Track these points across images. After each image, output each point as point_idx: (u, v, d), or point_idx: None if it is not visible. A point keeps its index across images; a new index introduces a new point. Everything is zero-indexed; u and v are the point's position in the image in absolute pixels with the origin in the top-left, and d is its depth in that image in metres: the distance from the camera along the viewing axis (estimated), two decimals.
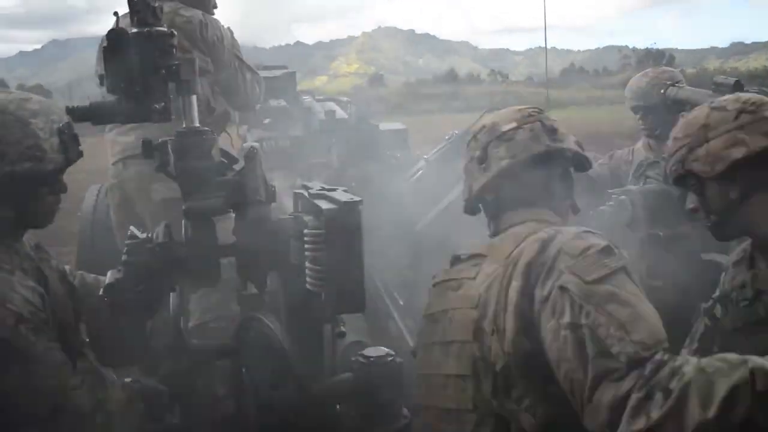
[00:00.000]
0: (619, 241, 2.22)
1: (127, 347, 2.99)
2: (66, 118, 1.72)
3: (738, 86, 2.22)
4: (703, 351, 1.75)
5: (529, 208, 1.69)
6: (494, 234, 1.75)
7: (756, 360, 1.17)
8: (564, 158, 1.73)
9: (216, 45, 3.12)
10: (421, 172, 3.84)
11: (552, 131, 1.71)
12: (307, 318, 1.78)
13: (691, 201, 1.69)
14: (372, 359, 1.71)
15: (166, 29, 1.74)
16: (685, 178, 1.67)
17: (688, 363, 1.20)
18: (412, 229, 3.64)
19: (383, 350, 1.76)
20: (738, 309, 1.70)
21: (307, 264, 1.57)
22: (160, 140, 1.83)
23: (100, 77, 1.71)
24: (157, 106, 1.72)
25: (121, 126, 3.09)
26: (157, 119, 1.74)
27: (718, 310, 1.77)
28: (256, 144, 1.78)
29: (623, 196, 2.22)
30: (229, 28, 3.33)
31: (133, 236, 1.81)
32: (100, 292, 1.80)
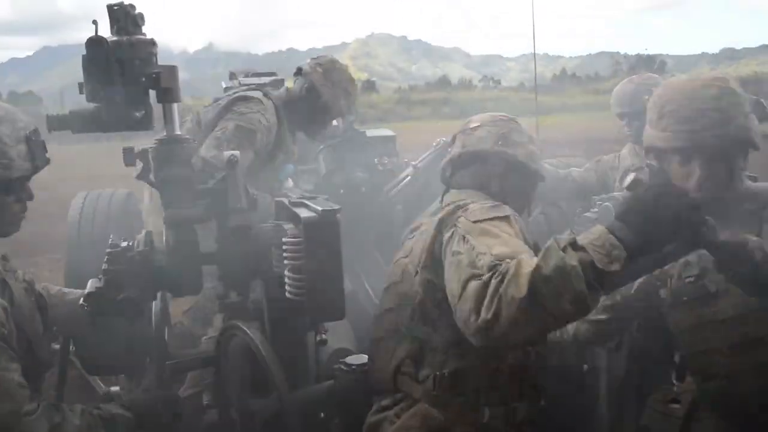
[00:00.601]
0: None
1: (111, 355, 2.98)
2: (33, 126, 1.69)
3: None
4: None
5: (467, 190, 1.97)
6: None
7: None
8: (506, 162, 1.97)
9: None
10: (408, 178, 3.84)
11: (503, 137, 1.98)
12: (290, 326, 1.78)
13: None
14: (354, 367, 1.71)
15: (147, 37, 1.74)
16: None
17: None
18: (400, 233, 3.64)
19: (365, 358, 1.75)
20: (682, 285, 1.81)
21: (286, 272, 1.57)
22: (141, 148, 1.82)
23: (80, 85, 1.70)
24: (137, 114, 1.72)
25: None
26: (137, 127, 1.73)
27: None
28: (236, 152, 1.77)
29: (607, 203, 2.21)
30: None
31: (114, 245, 1.80)
32: (81, 301, 1.79)
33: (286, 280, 1.56)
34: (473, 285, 1.42)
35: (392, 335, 1.75)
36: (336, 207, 1.52)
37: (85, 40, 1.69)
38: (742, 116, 1.66)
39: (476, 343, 1.44)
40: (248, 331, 1.56)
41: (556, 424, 2.45)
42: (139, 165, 1.83)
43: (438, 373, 1.67)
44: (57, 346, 2.36)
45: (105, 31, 1.74)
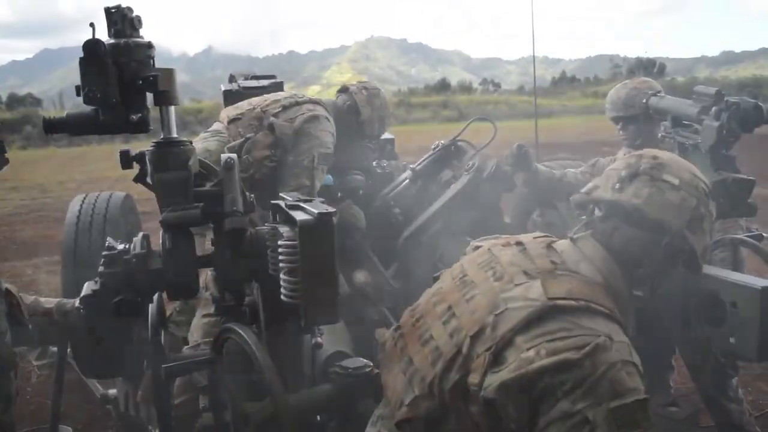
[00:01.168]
0: None
1: (108, 359, 2.98)
2: None
3: (719, 96, 2.23)
4: None
5: (591, 262, 1.56)
6: None
7: None
8: (680, 252, 1.61)
9: None
10: (407, 181, 3.84)
11: (696, 220, 1.58)
12: (285, 329, 1.78)
13: None
14: (350, 370, 1.71)
15: (144, 40, 1.74)
16: None
17: None
18: (399, 236, 3.64)
19: (362, 361, 1.75)
20: None
21: (281, 275, 1.57)
22: (138, 151, 1.83)
23: (77, 88, 1.70)
24: (134, 117, 1.72)
25: None
26: (134, 130, 1.73)
27: None
28: (233, 155, 1.77)
29: None
30: None
31: (111, 247, 1.80)
32: (76, 303, 1.79)
33: (282, 282, 1.56)
34: None
35: (426, 378, 1.48)
36: (332, 210, 1.52)
37: (83, 43, 1.69)
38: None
39: None
40: (243, 334, 1.56)
41: None
42: (137, 168, 1.83)
43: None
44: (54, 349, 2.37)
45: (103, 34, 1.74)
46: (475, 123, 4.03)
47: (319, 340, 1.81)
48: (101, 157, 18.31)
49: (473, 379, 1.38)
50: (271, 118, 3.24)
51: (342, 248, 3.70)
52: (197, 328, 2.88)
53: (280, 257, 1.57)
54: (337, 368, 1.73)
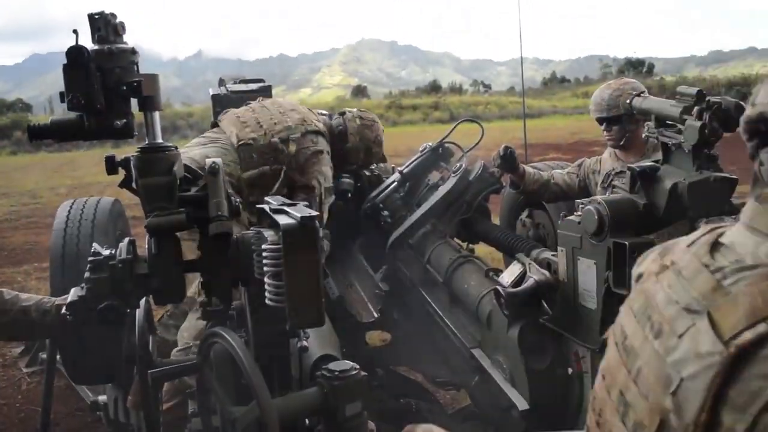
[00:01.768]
0: (586, 250, 2.26)
1: (97, 364, 2.98)
2: None
3: (700, 96, 2.25)
4: None
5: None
6: None
7: None
8: None
9: None
10: (395, 184, 3.85)
11: None
12: (272, 332, 1.78)
13: None
14: (337, 373, 1.71)
15: (127, 45, 1.74)
16: None
17: None
18: (387, 238, 3.65)
19: (348, 364, 1.75)
20: None
21: (266, 279, 1.57)
22: (123, 157, 1.83)
23: (61, 94, 1.70)
24: (118, 123, 1.72)
25: None
26: (118, 136, 1.74)
27: None
28: (218, 160, 1.78)
29: (589, 206, 2.24)
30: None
31: (97, 253, 1.80)
32: (63, 309, 1.79)
33: (267, 286, 1.57)
34: None
35: None
36: (315, 213, 1.53)
37: (66, 50, 1.69)
38: None
39: None
40: (228, 338, 1.56)
41: (542, 427, 2.47)
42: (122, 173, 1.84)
43: None
44: (44, 355, 2.36)
45: (87, 40, 1.74)
46: (464, 124, 4.06)
47: (305, 343, 1.81)
48: (92, 162, 18.27)
49: None
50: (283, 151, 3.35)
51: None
52: (189, 329, 2.89)
53: (265, 261, 1.57)
54: (324, 371, 1.73)
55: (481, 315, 2.80)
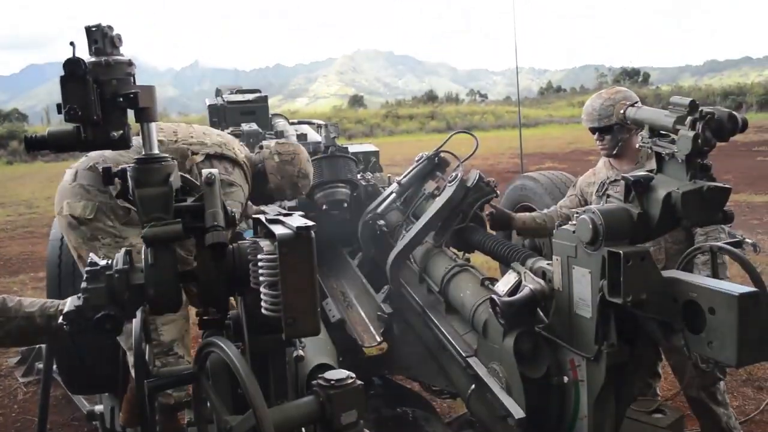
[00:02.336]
0: (581, 259, 2.27)
1: (94, 374, 2.98)
2: None
3: (693, 106, 2.27)
4: None
5: None
6: None
7: None
8: None
9: None
10: (393, 195, 3.86)
11: None
12: (267, 342, 1.79)
13: None
14: (333, 382, 1.72)
15: (124, 57, 1.76)
16: None
17: None
18: (384, 248, 3.65)
19: (345, 373, 1.76)
20: None
21: (262, 288, 1.58)
22: (120, 167, 1.84)
23: (58, 106, 1.72)
24: (115, 134, 1.73)
25: None
26: (115, 147, 1.75)
27: None
28: (215, 171, 1.79)
29: (584, 215, 2.25)
30: None
31: (93, 263, 1.81)
32: (59, 320, 1.80)
33: (262, 296, 1.58)
34: None
35: None
36: (311, 224, 1.54)
37: (63, 62, 1.70)
38: None
39: None
40: (224, 347, 1.57)
41: None
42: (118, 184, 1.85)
43: None
44: (40, 365, 2.36)
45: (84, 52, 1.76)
46: (460, 135, 4.08)
47: (300, 352, 1.82)
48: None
49: None
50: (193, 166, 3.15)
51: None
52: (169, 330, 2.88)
53: (261, 271, 1.58)
54: (321, 380, 1.73)
55: (477, 324, 2.80)
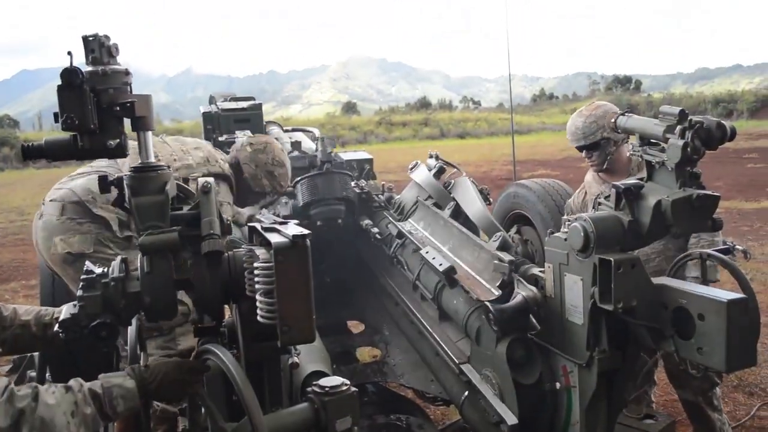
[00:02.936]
0: (572, 266, 2.29)
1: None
2: None
3: (683, 115, 2.30)
4: None
5: None
6: None
7: None
8: None
9: None
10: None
11: None
12: (264, 349, 1.80)
13: None
14: (327, 389, 1.73)
15: (121, 67, 1.77)
16: None
17: None
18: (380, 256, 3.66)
19: (339, 380, 1.78)
20: None
21: (258, 296, 1.60)
22: (116, 176, 1.86)
23: (55, 114, 1.73)
24: (111, 143, 1.75)
25: None
26: (112, 156, 1.76)
27: None
28: (210, 179, 1.81)
29: (576, 223, 2.27)
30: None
31: (89, 271, 1.82)
32: (55, 328, 1.80)
33: (258, 304, 1.59)
34: None
35: None
36: (306, 232, 1.56)
37: (60, 71, 1.72)
38: None
39: None
40: (220, 354, 1.59)
41: None
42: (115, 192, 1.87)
43: None
44: (32, 373, 2.37)
45: (80, 54, 1.77)
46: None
47: (296, 359, 1.83)
48: None
49: None
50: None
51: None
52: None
53: (257, 279, 1.60)
54: (315, 387, 1.75)
55: (470, 331, 2.82)
